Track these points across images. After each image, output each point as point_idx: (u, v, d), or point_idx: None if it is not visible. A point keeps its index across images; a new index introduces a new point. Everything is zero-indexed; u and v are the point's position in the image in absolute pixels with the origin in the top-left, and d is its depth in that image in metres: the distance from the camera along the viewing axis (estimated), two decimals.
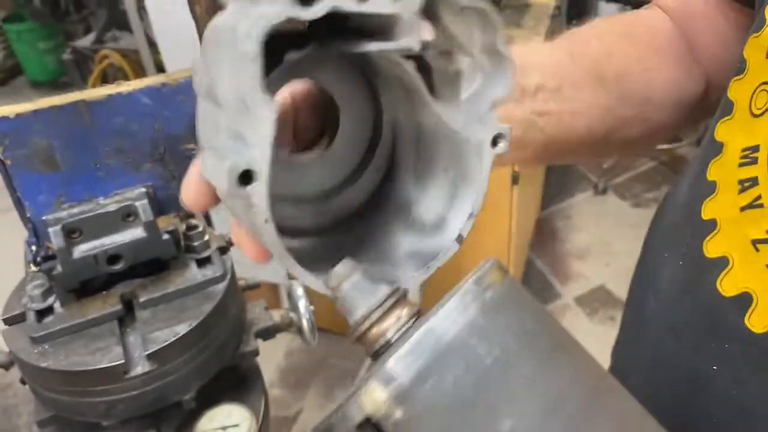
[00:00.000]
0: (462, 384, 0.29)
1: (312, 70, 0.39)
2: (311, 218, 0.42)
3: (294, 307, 0.76)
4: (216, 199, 0.35)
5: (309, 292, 0.77)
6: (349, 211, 0.42)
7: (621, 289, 2.41)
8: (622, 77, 0.59)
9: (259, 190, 0.29)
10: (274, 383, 2.15)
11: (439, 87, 0.38)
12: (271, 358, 2.17)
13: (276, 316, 0.75)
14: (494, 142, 0.37)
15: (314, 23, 0.32)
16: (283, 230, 0.32)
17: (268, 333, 0.74)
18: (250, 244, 0.35)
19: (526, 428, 0.29)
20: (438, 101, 0.37)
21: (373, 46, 0.34)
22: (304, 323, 0.75)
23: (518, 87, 0.51)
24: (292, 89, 0.41)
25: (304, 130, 0.42)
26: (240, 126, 0.29)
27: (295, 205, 0.41)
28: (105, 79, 3.17)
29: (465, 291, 0.31)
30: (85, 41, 3.46)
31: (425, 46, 0.34)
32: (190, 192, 0.35)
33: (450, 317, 0.30)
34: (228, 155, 0.29)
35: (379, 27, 0.34)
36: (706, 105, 0.61)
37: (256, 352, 0.71)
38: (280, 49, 0.35)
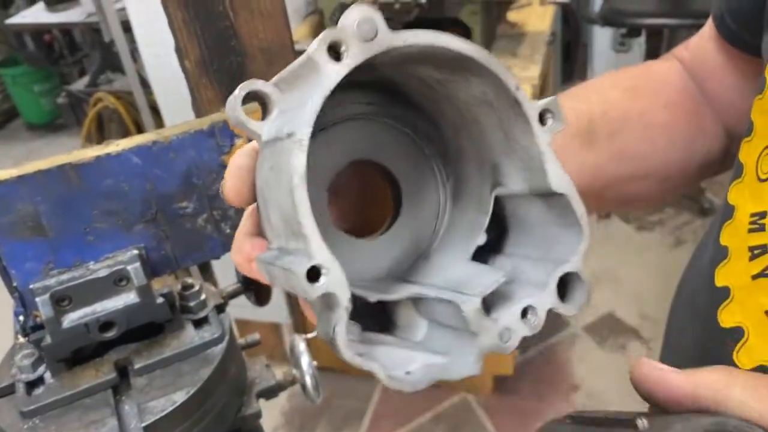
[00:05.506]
0: None
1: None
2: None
3: (296, 364, 0.73)
4: (254, 195, 0.35)
5: (311, 345, 0.74)
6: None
7: (629, 316, 2.38)
8: (616, 135, 0.58)
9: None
10: (279, 426, 2.10)
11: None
12: (274, 401, 2.12)
13: (278, 374, 0.72)
14: None
15: None
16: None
17: (270, 392, 0.71)
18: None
19: None
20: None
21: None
22: (307, 380, 0.72)
23: None
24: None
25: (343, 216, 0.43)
26: None
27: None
28: (100, 121, 3.17)
29: None
30: (80, 84, 3.47)
31: None
32: (231, 182, 0.36)
33: None
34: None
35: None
36: (729, 158, 0.60)
37: (258, 415, 0.68)
38: None
